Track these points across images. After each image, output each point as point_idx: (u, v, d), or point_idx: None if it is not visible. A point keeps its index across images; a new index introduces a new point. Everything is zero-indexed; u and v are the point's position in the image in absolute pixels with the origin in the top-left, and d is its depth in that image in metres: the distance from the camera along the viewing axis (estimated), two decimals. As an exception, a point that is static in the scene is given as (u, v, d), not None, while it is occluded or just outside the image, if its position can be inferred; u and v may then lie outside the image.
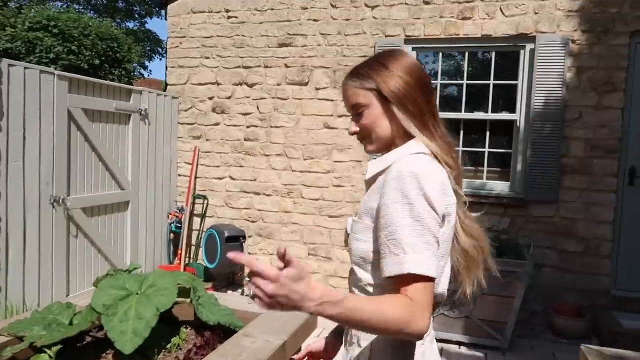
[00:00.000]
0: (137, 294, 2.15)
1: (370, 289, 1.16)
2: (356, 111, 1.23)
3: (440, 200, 1.07)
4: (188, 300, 2.37)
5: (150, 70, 36.71)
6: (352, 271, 1.22)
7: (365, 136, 1.24)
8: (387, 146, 1.23)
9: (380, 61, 1.22)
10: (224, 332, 2.27)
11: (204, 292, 2.42)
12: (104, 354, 2.16)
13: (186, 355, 2.14)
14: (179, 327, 2.38)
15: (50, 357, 1.89)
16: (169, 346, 2.22)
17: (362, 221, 1.17)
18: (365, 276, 1.16)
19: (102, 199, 4.32)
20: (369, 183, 1.23)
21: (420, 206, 1.04)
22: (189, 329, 2.43)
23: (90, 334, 2.27)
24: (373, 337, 1.17)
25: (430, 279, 1.01)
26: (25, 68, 3.53)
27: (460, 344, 3.85)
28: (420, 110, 1.19)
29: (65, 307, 2.20)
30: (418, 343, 1.18)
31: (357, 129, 1.24)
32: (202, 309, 2.27)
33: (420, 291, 1.00)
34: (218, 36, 5.16)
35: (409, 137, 1.20)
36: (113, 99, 4.42)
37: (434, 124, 1.22)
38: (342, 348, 1.33)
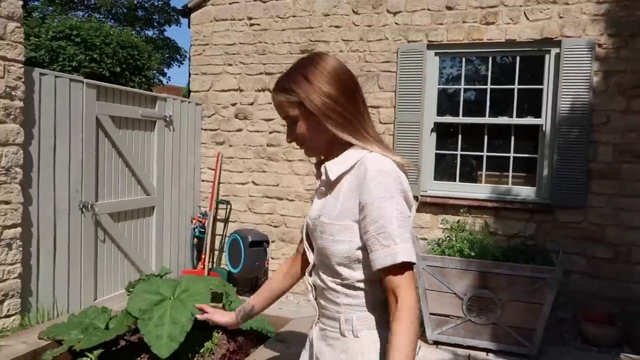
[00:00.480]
0: (171, 298, 2.17)
1: (360, 285, 1.22)
2: (289, 121, 1.28)
3: (410, 194, 1.22)
4: (220, 305, 2.39)
5: (169, 77, 37.26)
6: (329, 272, 1.26)
7: (301, 144, 1.29)
8: (326, 151, 1.30)
9: (301, 72, 1.24)
10: (256, 337, 2.29)
11: (235, 297, 2.43)
12: (138, 358, 2.18)
13: (221, 358, 2.15)
14: (211, 332, 2.40)
15: (91, 359, 1.92)
16: (202, 350, 2.24)
17: (340, 222, 1.20)
18: (353, 274, 1.22)
19: (128, 204, 4.39)
20: (334, 184, 1.25)
21: (400, 200, 1.16)
22: (220, 333, 2.45)
23: (124, 337, 2.30)
24: (373, 327, 1.24)
25: (413, 265, 1.15)
26: (56, 77, 3.61)
27: (487, 350, 3.80)
28: (345, 119, 1.23)
29: (100, 311, 2.23)
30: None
31: (291, 138, 1.30)
32: (235, 313, 2.27)
33: (409, 276, 1.14)
34: (240, 43, 5.22)
35: (345, 141, 1.25)
36: (139, 105, 4.49)
37: (364, 126, 1.26)
38: (319, 342, 1.32)
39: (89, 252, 3.94)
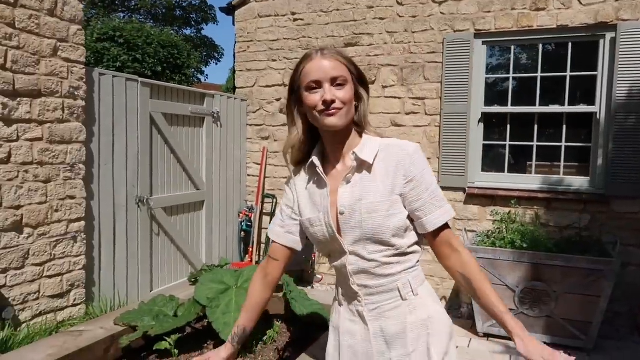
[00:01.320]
0: (235, 287, 2.25)
1: (410, 249, 1.38)
2: (336, 82, 1.32)
3: None
4: (280, 295, 2.46)
5: (207, 75, 37.89)
6: (381, 248, 1.34)
7: (338, 108, 1.32)
8: (348, 126, 1.37)
9: (343, 53, 1.39)
10: (316, 326, 2.34)
11: (294, 287, 2.49)
12: (205, 344, 2.27)
13: (285, 346, 2.22)
14: (272, 320, 2.47)
15: (170, 344, 2.01)
16: (264, 338, 2.31)
17: (390, 198, 1.33)
18: (404, 242, 1.36)
19: (180, 198, 4.53)
20: (361, 169, 1.36)
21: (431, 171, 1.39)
22: (280, 322, 2.52)
23: (190, 325, 2.40)
24: (424, 280, 1.45)
25: None
26: (114, 76, 3.76)
27: (540, 344, 3.74)
28: (366, 107, 1.41)
29: (168, 300, 2.33)
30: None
31: (336, 98, 1.31)
32: (295, 302, 2.34)
33: (451, 230, 1.40)
34: (284, 39, 5.27)
35: (354, 124, 1.39)
36: (188, 103, 4.62)
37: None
38: (375, 322, 1.40)
39: (145, 245, 4.10)
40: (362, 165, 1.36)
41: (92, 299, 3.61)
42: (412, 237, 1.38)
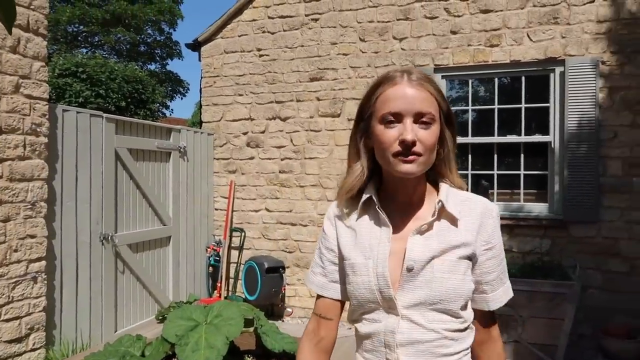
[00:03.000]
0: (205, 323, 2.21)
1: (468, 325, 1.12)
2: (421, 119, 1.05)
3: None
4: (250, 330, 2.43)
5: (172, 109, 37.66)
6: (445, 318, 1.08)
7: (418, 154, 1.05)
8: (420, 175, 1.11)
9: (436, 85, 1.12)
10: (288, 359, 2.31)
11: (266, 321, 2.47)
12: (174, 385, 2.21)
13: (256, 383, 2.18)
14: (242, 357, 2.43)
15: (138, 385, 1.95)
16: (235, 375, 2.26)
17: (467, 261, 1.10)
18: (468, 315, 1.12)
19: (146, 234, 4.44)
20: (448, 219, 1.12)
21: None
22: (251, 357, 2.48)
23: (159, 365, 2.33)
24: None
25: None
26: (77, 112, 3.72)
27: (510, 369, 3.79)
28: (451, 151, 1.16)
29: (135, 339, 2.27)
30: None
31: (413, 137, 1.04)
32: (267, 337, 2.32)
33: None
34: (250, 74, 5.36)
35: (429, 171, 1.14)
36: (154, 137, 4.59)
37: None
38: None
39: (110, 284, 3.98)
40: (441, 217, 1.11)
41: (52, 342, 3.45)
42: (471, 311, 1.14)
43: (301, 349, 1.23)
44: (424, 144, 1.04)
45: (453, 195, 1.14)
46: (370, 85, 1.13)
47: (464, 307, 1.09)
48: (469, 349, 1.12)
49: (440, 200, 1.11)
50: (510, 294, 1.18)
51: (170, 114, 22.47)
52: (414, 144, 1.03)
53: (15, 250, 3.16)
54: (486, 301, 1.15)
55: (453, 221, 1.11)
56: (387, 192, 1.17)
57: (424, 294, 1.06)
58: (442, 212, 1.11)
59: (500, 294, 1.16)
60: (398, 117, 1.05)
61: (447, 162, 1.15)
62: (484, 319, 1.17)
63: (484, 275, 1.13)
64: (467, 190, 1.20)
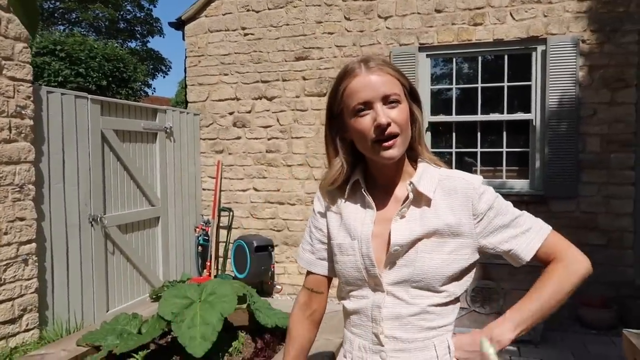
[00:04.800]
0: (199, 301, 2.28)
1: (455, 300, 1.16)
2: (388, 100, 1.09)
3: None
4: (244, 306, 2.50)
5: (154, 88, 37.05)
6: (427, 294, 1.12)
7: (395, 135, 1.09)
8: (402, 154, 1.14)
9: (391, 63, 1.17)
10: (282, 334, 2.40)
11: (258, 297, 2.55)
12: (171, 360, 2.28)
13: (251, 356, 2.26)
14: (236, 332, 2.51)
15: (138, 360, 2.01)
16: (230, 350, 2.35)
17: (456, 240, 1.12)
18: (458, 288, 1.14)
19: (135, 215, 4.46)
20: (419, 202, 1.15)
21: None
22: (245, 333, 2.56)
23: (154, 341, 2.40)
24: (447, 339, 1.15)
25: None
26: (62, 94, 3.69)
27: (492, 339, 3.95)
28: (421, 128, 1.20)
29: (131, 317, 2.33)
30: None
31: (387, 120, 1.08)
32: (259, 313, 2.40)
33: (561, 237, 1.16)
34: (235, 53, 5.33)
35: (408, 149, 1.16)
36: (140, 118, 4.58)
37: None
38: None
39: (100, 264, 4.01)
40: (420, 198, 1.14)
41: (45, 323, 3.49)
42: (464, 284, 1.15)
43: (294, 320, 1.30)
44: (397, 123, 1.09)
45: (429, 174, 1.16)
46: (333, 82, 1.18)
47: (448, 282, 1.12)
48: (453, 323, 1.16)
49: (411, 182, 1.14)
50: (543, 234, 1.14)
51: (153, 93, 22.16)
52: (388, 124, 1.07)
53: (5, 233, 3.17)
54: (517, 256, 1.14)
55: (428, 202, 1.14)
56: (372, 175, 1.21)
57: (407, 272, 1.11)
58: (417, 193, 1.14)
59: (527, 242, 1.13)
60: (368, 105, 1.09)
61: (419, 138, 1.19)
62: (540, 260, 1.15)
63: (496, 236, 1.14)
64: (445, 166, 1.22)
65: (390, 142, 1.08)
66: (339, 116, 1.16)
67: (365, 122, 1.09)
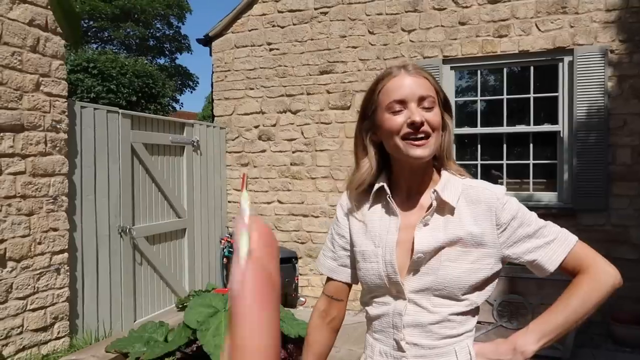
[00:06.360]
0: (224, 310, 2.31)
1: (479, 304, 1.16)
2: (423, 103, 1.12)
3: None
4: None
5: (182, 103, 37.87)
6: (448, 302, 1.13)
7: (427, 135, 1.11)
8: (427, 162, 1.16)
9: (429, 72, 1.21)
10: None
11: (282, 308, 2.56)
12: (196, 369, 2.31)
13: (274, 366, 2.28)
14: (260, 342, 2.52)
15: (164, 367, 2.05)
16: (254, 359, 2.37)
17: (479, 249, 1.12)
18: (481, 296, 1.15)
19: (162, 227, 4.56)
20: (441, 210, 1.15)
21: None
22: (268, 343, 2.57)
23: (180, 350, 2.44)
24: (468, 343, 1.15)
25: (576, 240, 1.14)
26: (95, 109, 3.83)
27: (520, 355, 3.86)
28: (452, 138, 1.22)
29: (158, 326, 2.38)
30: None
31: (421, 119, 1.10)
32: (283, 323, 2.41)
33: (589, 248, 1.14)
34: (261, 68, 5.43)
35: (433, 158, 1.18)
36: (168, 132, 4.70)
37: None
38: None
39: (128, 274, 4.10)
40: (443, 207, 1.15)
41: (75, 331, 3.58)
42: (486, 294, 1.16)
43: (312, 327, 1.30)
44: (431, 124, 1.10)
45: (453, 183, 1.17)
46: (371, 83, 1.20)
47: (471, 291, 1.12)
48: (473, 330, 1.16)
49: (435, 190, 1.14)
50: (569, 244, 1.12)
51: (181, 108, 22.67)
52: (422, 124, 1.09)
53: (39, 243, 3.28)
54: (542, 267, 1.13)
55: (451, 210, 1.14)
56: (397, 182, 1.21)
57: (429, 280, 1.11)
58: (441, 202, 1.14)
59: (552, 252, 1.12)
60: (403, 104, 1.11)
61: (447, 148, 1.20)
62: (567, 271, 1.14)
63: (520, 246, 1.13)
64: (469, 177, 1.22)
65: (421, 142, 1.10)
66: (372, 115, 1.18)
67: (399, 119, 1.11)
